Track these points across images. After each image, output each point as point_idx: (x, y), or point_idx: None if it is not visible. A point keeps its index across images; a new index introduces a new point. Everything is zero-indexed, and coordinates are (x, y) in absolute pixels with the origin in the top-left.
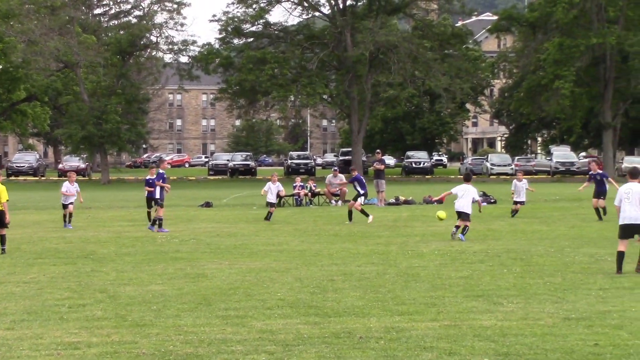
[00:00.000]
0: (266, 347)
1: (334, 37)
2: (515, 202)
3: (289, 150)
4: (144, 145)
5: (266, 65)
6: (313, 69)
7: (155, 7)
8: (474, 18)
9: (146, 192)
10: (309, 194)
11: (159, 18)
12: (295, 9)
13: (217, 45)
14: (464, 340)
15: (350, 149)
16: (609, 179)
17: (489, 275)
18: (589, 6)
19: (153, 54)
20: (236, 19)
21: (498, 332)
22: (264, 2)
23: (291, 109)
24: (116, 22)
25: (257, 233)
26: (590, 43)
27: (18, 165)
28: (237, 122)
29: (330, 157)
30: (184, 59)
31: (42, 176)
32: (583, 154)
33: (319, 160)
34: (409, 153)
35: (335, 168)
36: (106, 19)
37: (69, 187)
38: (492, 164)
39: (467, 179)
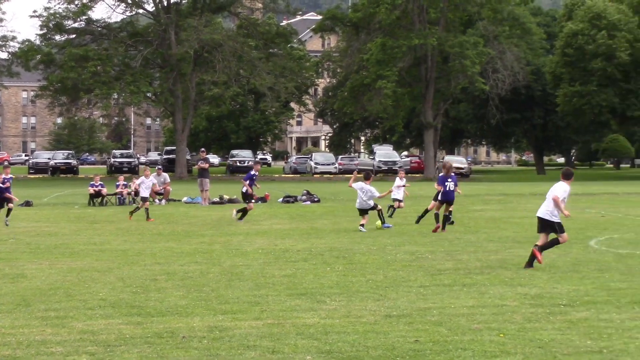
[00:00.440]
0: (87, 348)
1: (158, 34)
2: (395, 200)
3: (112, 149)
4: None
5: (89, 63)
6: (137, 66)
7: None
8: (298, 17)
9: None
10: (132, 192)
11: None
12: (119, 5)
13: (38, 42)
14: (287, 339)
15: (174, 148)
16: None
17: (312, 273)
18: (411, 7)
19: None
20: (58, 15)
21: (321, 330)
22: None
23: (114, 107)
24: None
25: (79, 232)
26: (412, 44)
27: None
28: (59, 120)
29: (154, 156)
30: (3, 55)
31: None
32: (405, 153)
33: (143, 159)
34: (234, 152)
35: (159, 167)
36: None
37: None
38: (316, 163)
39: (367, 177)
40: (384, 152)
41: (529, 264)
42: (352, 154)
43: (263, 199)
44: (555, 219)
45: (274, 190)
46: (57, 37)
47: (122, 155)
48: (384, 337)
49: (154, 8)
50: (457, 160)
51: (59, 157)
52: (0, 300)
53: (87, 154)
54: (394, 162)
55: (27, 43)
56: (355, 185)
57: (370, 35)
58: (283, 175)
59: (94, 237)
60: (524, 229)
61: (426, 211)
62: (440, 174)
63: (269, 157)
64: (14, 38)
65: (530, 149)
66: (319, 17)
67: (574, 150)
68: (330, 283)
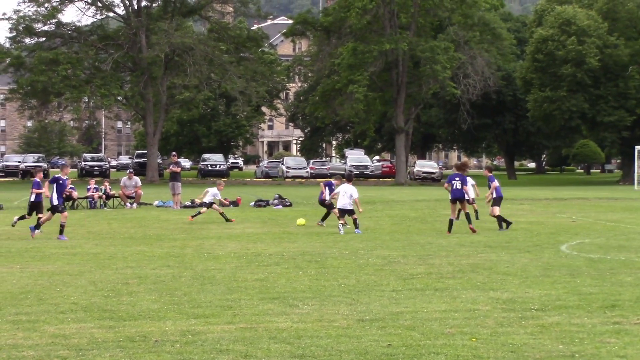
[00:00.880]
0: (59, 352)
1: (128, 38)
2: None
3: (82, 152)
4: None
5: (59, 66)
6: (107, 70)
7: None
8: (269, 22)
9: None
10: (103, 196)
11: None
12: (89, 9)
13: (7, 45)
14: (260, 343)
15: (145, 151)
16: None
17: (284, 277)
18: (381, 12)
19: None
20: (27, 18)
21: (293, 334)
22: (56, 2)
23: (85, 111)
24: None
25: (50, 236)
26: (383, 48)
27: None
28: (29, 123)
29: (125, 159)
30: None
31: None
32: (376, 157)
33: (114, 163)
34: (205, 156)
35: (130, 170)
36: None
37: None
38: (287, 167)
39: (349, 179)
40: (356, 157)
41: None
42: (324, 158)
43: (235, 203)
44: None
45: (245, 194)
46: (27, 40)
47: (92, 159)
48: (357, 342)
49: (124, 11)
50: (429, 165)
51: (30, 160)
52: None
53: (58, 157)
54: (366, 167)
55: None
56: (340, 188)
57: (341, 40)
58: (255, 179)
59: (65, 241)
60: (495, 233)
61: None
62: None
63: (240, 161)
64: None
65: (502, 154)
66: (290, 21)
67: (544, 155)
68: (302, 287)
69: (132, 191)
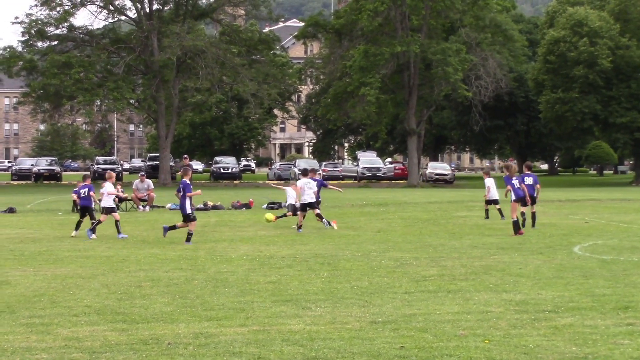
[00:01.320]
0: (72, 355)
1: (140, 41)
2: None
3: (95, 155)
4: None
5: (71, 70)
6: (119, 73)
7: None
8: (281, 24)
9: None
10: (116, 199)
11: None
12: (101, 12)
13: (20, 48)
14: (273, 345)
15: (158, 154)
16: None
17: (297, 280)
18: (393, 15)
19: None
20: (40, 22)
21: (306, 337)
22: (69, 5)
23: (97, 114)
24: None
25: (63, 239)
26: (395, 51)
27: None
28: (42, 127)
29: (137, 162)
30: None
31: None
32: (389, 159)
33: (126, 166)
34: (217, 158)
35: (143, 173)
36: None
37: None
38: (299, 170)
39: (304, 174)
40: (368, 159)
41: None
42: (336, 161)
43: (247, 206)
44: None
45: (258, 197)
46: (40, 44)
47: (105, 162)
48: (370, 344)
49: (136, 15)
50: (441, 167)
51: (42, 163)
52: None
53: (71, 160)
54: (378, 169)
55: (9, 49)
56: (300, 182)
57: (352, 42)
58: (267, 181)
59: (78, 244)
60: (508, 235)
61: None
62: (505, 175)
63: (252, 164)
64: None
65: (514, 156)
66: (302, 23)
67: (557, 157)
68: (315, 289)
69: (145, 194)
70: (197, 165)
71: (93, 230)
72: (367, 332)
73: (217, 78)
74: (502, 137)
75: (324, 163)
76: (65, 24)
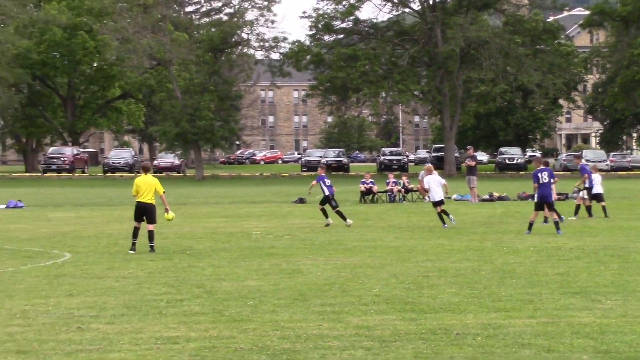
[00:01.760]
0: (363, 343)
1: (424, 33)
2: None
3: (381, 147)
4: (237, 142)
5: (357, 62)
6: (404, 65)
7: (246, 5)
8: (565, 13)
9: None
10: (402, 190)
11: (250, 15)
12: (385, 5)
13: (307, 42)
14: (562, 338)
15: (442, 145)
16: None
17: (585, 272)
18: None
19: (244, 51)
20: (326, 16)
21: (597, 330)
22: None
23: (383, 106)
24: (207, 19)
25: (351, 229)
26: None
27: (114, 162)
28: (329, 119)
29: (422, 154)
30: (275, 55)
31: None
32: None
33: (412, 157)
34: (502, 149)
35: (429, 164)
36: (197, 17)
37: None
38: (586, 160)
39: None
40: None
41: None
42: (624, 151)
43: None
44: None
45: None
46: (326, 38)
47: (391, 153)
48: None
49: (419, 7)
50: None
51: (330, 155)
52: (279, 294)
53: (357, 151)
54: None
55: (297, 44)
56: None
57: None
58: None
59: (366, 234)
60: None
61: None
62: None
63: (538, 154)
64: (284, 39)
65: None
66: (587, 12)
67: None
68: (605, 282)
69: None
70: (482, 157)
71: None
72: None
73: (500, 68)
74: None
75: (611, 153)
76: (351, 18)
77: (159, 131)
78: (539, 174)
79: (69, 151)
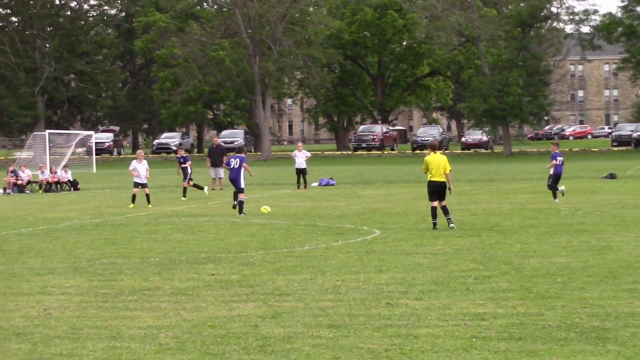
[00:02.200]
0: None
1: None
2: None
3: None
4: (545, 118)
5: None
6: None
7: None
8: None
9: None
10: None
11: None
12: None
13: (619, 14)
14: None
15: None
16: None
17: None
18: None
19: (554, 25)
20: None
21: None
22: None
23: None
24: None
25: None
26: None
27: (422, 139)
28: None
29: None
30: (585, 29)
31: (446, 149)
32: None
33: None
34: None
35: None
36: None
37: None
38: None
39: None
40: None
41: None
42: None
43: None
44: None
45: None
46: (639, 9)
47: None
48: None
49: None
50: None
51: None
52: (588, 271)
53: None
54: None
55: (608, 16)
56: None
57: None
58: None
59: None
60: None
61: None
62: None
63: None
64: (595, 12)
65: None
66: None
67: None
68: None
69: None
70: None
71: None
72: None
73: None
74: None
75: None
76: None
77: (467, 108)
78: None
79: (378, 129)
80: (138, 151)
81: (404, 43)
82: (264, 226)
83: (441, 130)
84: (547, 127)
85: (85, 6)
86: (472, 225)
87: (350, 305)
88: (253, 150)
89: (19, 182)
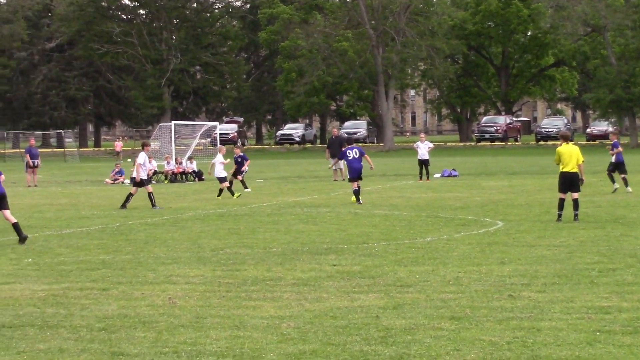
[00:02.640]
0: None
1: None
2: None
3: None
4: None
5: None
6: None
7: None
8: None
9: None
10: None
11: None
12: None
13: None
14: None
15: None
16: None
17: None
18: None
19: None
20: None
21: None
22: None
23: None
24: None
25: None
26: None
27: (547, 130)
28: None
29: None
30: None
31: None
32: None
33: None
34: None
35: None
36: None
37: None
38: None
39: None
40: None
41: None
42: None
43: None
44: None
45: None
46: None
47: None
48: None
49: None
50: None
51: None
52: None
53: None
54: None
55: None
56: None
57: None
58: None
59: None
60: None
61: None
62: None
63: None
64: None
65: None
66: None
67: None
68: None
69: None
70: None
71: None
72: None
73: None
74: None
75: None
76: None
77: (593, 98)
78: None
79: (502, 120)
80: (219, 146)
81: (529, 33)
82: (385, 217)
83: (566, 121)
84: None
85: None
86: (597, 217)
87: (472, 297)
88: (375, 141)
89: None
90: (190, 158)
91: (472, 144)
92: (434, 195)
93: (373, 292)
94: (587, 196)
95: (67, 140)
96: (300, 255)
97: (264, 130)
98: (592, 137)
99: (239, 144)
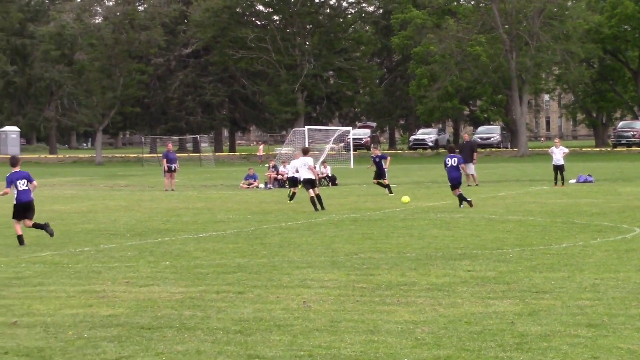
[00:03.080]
0: None
1: None
2: None
3: None
4: None
5: None
6: None
7: None
8: None
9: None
10: None
11: None
12: None
13: None
14: None
15: None
16: None
17: None
18: None
19: None
20: None
21: None
22: None
23: None
24: None
25: None
26: None
27: None
28: None
29: None
30: None
31: None
32: None
33: None
34: None
35: None
36: None
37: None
38: None
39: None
40: None
41: None
42: None
43: None
44: None
45: None
46: None
47: None
48: None
49: None
50: None
51: None
52: None
53: None
54: None
55: None
56: None
57: None
58: None
59: None
60: None
61: None
62: None
63: None
64: None
65: None
66: None
67: None
68: None
69: None
70: None
71: None
72: None
73: None
74: None
75: None
76: None
77: None
78: None
79: (639, 125)
80: (295, 153)
81: None
82: (520, 223)
83: None
84: None
85: (344, 3)
86: None
87: (609, 304)
88: (509, 146)
89: (280, 177)
90: (324, 162)
91: (608, 149)
92: (569, 201)
93: (508, 298)
94: None
95: (202, 144)
96: (434, 260)
97: (396, 135)
98: None
99: (374, 146)
